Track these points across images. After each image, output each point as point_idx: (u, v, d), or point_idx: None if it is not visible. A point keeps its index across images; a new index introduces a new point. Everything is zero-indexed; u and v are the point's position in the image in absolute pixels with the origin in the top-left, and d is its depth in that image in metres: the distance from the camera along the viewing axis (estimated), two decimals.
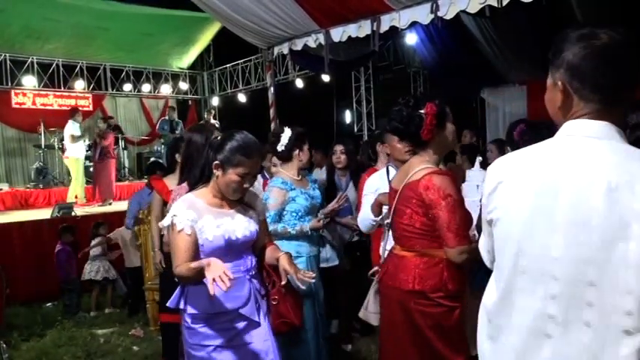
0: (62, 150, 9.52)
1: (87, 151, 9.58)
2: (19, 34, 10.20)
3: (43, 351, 4.32)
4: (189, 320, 2.11)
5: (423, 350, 2.13)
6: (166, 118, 11.00)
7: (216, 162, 2.07)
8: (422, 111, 2.13)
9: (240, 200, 2.20)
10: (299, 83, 11.40)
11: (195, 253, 2.04)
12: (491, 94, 11.00)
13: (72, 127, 8.81)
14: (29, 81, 10.72)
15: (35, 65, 10.84)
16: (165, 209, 3.57)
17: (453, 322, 2.11)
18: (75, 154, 8.84)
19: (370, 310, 2.45)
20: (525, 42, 8.54)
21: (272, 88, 8.00)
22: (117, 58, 11.92)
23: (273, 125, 7.79)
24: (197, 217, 2.05)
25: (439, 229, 2.08)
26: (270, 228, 2.77)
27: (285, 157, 3.16)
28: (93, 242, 5.55)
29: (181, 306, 2.13)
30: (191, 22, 11.33)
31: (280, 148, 3.15)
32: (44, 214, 7.19)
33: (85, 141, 9.15)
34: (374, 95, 11.66)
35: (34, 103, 10.91)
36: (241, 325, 2.12)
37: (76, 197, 8.59)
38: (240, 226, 2.13)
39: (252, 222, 2.19)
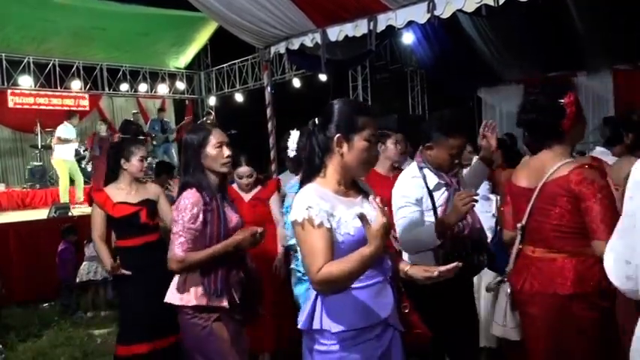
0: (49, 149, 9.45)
1: (84, 151, 9.56)
2: (15, 34, 10.18)
3: (40, 352, 4.31)
4: (330, 343, 1.67)
5: (585, 355, 2.01)
6: (156, 117, 10.94)
7: (338, 135, 1.70)
8: (562, 100, 2.01)
9: (359, 188, 1.86)
10: (296, 83, 11.40)
11: (333, 253, 1.64)
12: (488, 93, 11.04)
13: (62, 130, 8.70)
14: (25, 81, 10.70)
15: (32, 65, 10.81)
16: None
17: (611, 323, 1.99)
18: (61, 155, 8.65)
19: (510, 326, 2.21)
20: (522, 41, 8.57)
21: (269, 88, 7.99)
22: (113, 57, 11.90)
23: (269, 125, 7.78)
24: (331, 208, 1.66)
25: (590, 221, 1.94)
26: (293, 242, 2.49)
27: (299, 161, 2.72)
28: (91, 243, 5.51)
29: (317, 325, 1.68)
30: (188, 21, 11.31)
31: (292, 153, 2.89)
32: (41, 214, 7.17)
33: (78, 144, 9.11)
34: (371, 94, 11.66)
35: (30, 103, 10.88)
36: (387, 340, 1.75)
37: (72, 199, 8.55)
38: (373, 215, 1.71)
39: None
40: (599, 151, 3.88)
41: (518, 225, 2.15)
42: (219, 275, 2.32)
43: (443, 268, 1.72)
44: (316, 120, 1.79)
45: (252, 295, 2.50)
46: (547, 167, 2.05)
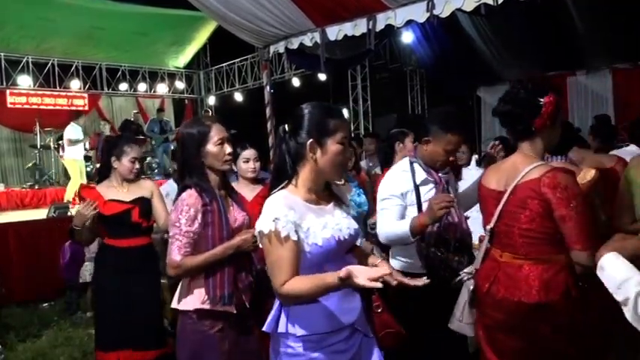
0: (58, 150, 9.55)
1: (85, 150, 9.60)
2: (14, 34, 10.18)
3: (39, 352, 4.30)
4: (296, 345, 1.68)
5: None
6: (155, 118, 10.94)
7: (311, 140, 1.66)
8: (541, 99, 1.98)
9: (332, 194, 1.84)
10: (295, 82, 11.41)
11: (299, 264, 1.64)
12: (488, 92, 11.04)
13: (70, 131, 8.92)
14: (24, 81, 10.70)
15: (30, 65, 10.81)
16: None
17: (582, 328, 1.95)
18: (72, 155, 8.90)
19: (466, 321, 2.22)
20: (521, 40, 8.57)
21: (268, 87, 7.99)
22: (113, 57, 11.90)
23: (269, 124, 7.79)
24: (299, 218, 1.64)
25: (566, 231, 1.89)
26: None
27: None
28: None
29: (282, 329, 1.69)
30: (187, 20, 11.31)
31: None
32: (40, 214, 7.16)
33: (84, 144, 9.21)
34: (370, 94, 11.67)
35: (29, 102, 10.87)
36: (355, 345, 1.74)
37: (74, 197, 8.57)
38: (344, 223, 1.74)
39: (351, 218, 1.83)
40: (632, 150, 3.81)
41: (487, 227, 2.12)
42: (226, 279, 2.18)
43: (406, 280, 1.67)
44: (286, 126, 1.74)
45: (261, 298, 2.35)
46: (519, 169, 2.00)
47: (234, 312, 2.18)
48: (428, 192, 2.48)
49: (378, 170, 4.96)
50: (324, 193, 1.80)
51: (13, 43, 10.37)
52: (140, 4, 10.43)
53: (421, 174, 2.50)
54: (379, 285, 1.45)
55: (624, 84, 9.13)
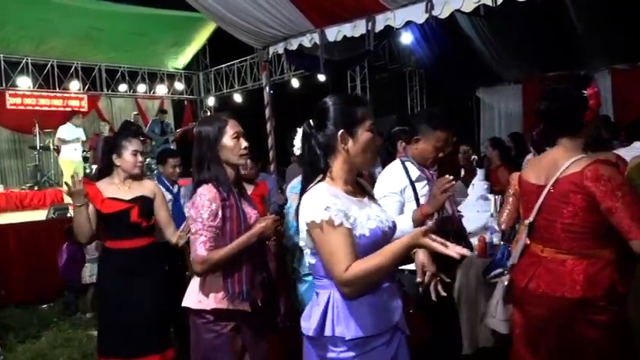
0: (57, 151, 9.54)
1: (83, 152, 9.58)
2: (13, 35, 10.19)
3: (39, 353, 4.30)
4: (343, 350, 1.60)
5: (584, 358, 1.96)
6: (157, 119, 10.94)
7: (342, 131, 1.65)
8: (585, 91, 1.92)
9: (362, 187, 1.81)
10: (295, 83, 11.42)
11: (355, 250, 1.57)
12: (487, 93, 11.04)
13: (62, 130, 8.88)
14: (24, 82, 10.71)
15: (30, 66, 10.83)
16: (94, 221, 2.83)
17: (622, 324, 1.95)
18: (70, 156, 8.86)
19: (500, 318, 2.23)
20: (520, 41, 8.58)
21: (267, 88, 8.00)
22: (112, 58, 11.91)
23: (268, 125, 7.78)
24: (346, 208, 1.60)
25: (618, 222, 1.83)
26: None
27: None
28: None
29: (328, 333, 1.60)
30: (186, 22, 11.33)
31: (297, 151, 2.88)
32: (39, 215, 7.16)
33: (81, 145, 9.18)
34: (370, 95, 11.65)
35: (29, 104, 10.88)
36: (396, 345, 1.69)
37: None
38: (383, 216, 1.71)
39: (386, 211, 1.80)
40: (637, 147, 3.81)
41: (526, 221, 2.08)
42: (244, 276, 2.16)
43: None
44: (311, 121, 1.72)
45: (273, 297, 2.34)
46: (559, 163, 1.97)
47: (249, 310, 2.18)
48: (422, 188, 2.55)
49: (379, 170, 4.99)
50: (357, 186, 1.78)
51: (12, 44, 10.38)
52: (139, 5, 10.44)
53: (414, 171, 2.56)
54: (455, 254, 1.42)
55: (623, 84, 9.13)
